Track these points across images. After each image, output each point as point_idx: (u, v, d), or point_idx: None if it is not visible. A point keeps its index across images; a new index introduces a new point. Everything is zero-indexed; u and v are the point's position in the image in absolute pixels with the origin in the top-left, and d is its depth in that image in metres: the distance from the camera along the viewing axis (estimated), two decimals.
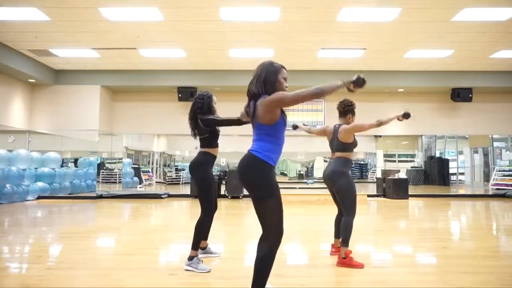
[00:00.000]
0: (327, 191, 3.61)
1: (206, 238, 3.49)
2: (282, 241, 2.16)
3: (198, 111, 3.30)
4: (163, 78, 10.44)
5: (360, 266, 3.18)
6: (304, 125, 3.95)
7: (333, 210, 3.62)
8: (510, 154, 13.13)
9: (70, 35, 7.86)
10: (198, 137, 3.36)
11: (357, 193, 3.39)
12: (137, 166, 14.34)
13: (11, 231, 5.18)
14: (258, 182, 2.17)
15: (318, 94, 2.11)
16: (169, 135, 15.60)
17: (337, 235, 3.55)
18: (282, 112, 2.24)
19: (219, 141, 3.39)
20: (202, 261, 3.24)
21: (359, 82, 2.16)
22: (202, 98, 3.35)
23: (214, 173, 3.56)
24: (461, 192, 12.81)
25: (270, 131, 2.21)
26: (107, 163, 13.30)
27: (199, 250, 3.34)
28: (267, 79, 2.23)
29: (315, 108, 10.92)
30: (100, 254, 3.86)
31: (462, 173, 16.10)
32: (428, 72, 10.39)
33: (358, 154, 18.11)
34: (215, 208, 3.42)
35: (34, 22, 7.10)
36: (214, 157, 3.32)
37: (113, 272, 3.05)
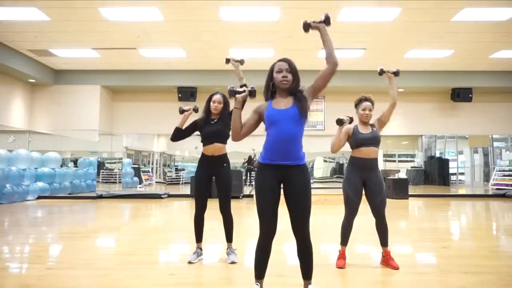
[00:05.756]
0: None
1: (198, 240, 3.44)
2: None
3: None
4: (163, 78, 10.44)
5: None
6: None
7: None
8: (510, 154, 13.15)
9: (70, 35, 7.86)
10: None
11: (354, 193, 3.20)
12: (137, 166, 14.33)
13: (11, 231, 5.18)
14: None
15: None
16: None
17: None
18: (268, 107, 2.33)
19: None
20: (198, 254, 3.39)
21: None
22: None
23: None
24: (461, 192, 12.80)
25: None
26: (107, 163, 13.30)
27: (198, 250, 3.42)
28: (267, 86, 2.38)
29: (315, 108, 10.92)
30: (100, 254, 3.86)
31: (462, 173, 16.09)
32: (428, 72, 10.38)
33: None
34: (200, 207, 3.38)
35: (34, 22, 7.10)
36: (204, 155, 3.44)
37: (113, 272, 3.05)
